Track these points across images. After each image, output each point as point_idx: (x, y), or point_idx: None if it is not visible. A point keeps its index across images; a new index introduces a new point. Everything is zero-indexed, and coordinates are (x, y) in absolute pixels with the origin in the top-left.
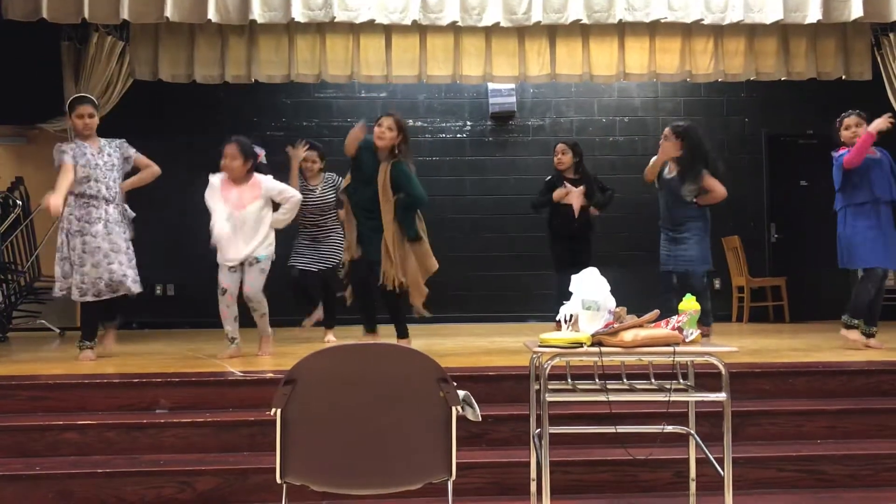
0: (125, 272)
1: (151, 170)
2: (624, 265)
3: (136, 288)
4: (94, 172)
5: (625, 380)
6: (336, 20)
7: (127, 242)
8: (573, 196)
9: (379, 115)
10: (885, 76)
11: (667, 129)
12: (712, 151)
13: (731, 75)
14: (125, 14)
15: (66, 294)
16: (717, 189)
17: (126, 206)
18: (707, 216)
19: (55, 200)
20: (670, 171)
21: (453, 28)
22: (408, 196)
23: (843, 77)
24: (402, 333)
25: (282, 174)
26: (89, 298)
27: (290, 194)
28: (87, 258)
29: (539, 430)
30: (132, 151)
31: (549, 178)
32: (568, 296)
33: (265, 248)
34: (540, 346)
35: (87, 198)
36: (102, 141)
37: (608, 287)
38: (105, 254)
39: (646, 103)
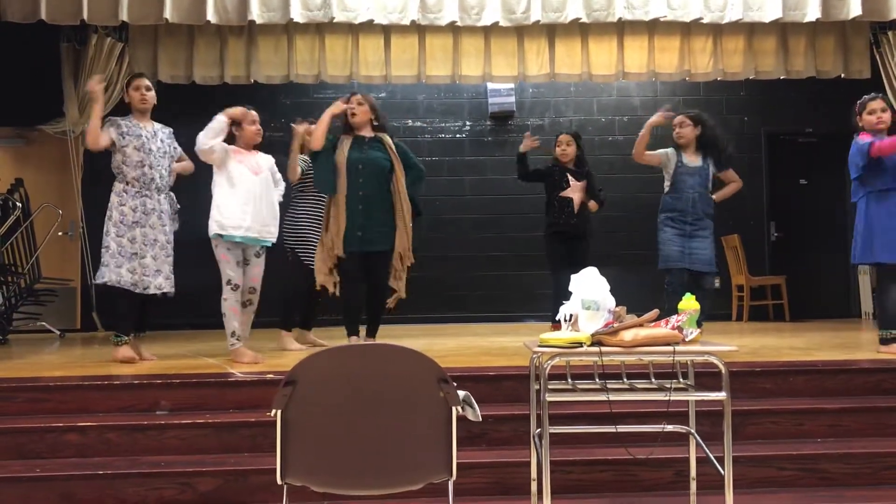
0: (158, 268)
1: (190, 164)
2: (623, 264)
3: (168, 287)
4: (149, 158)
5: (625, 379)
6: (335, 20)
7: (171, 237)
8: (574, 190)
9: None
10: (884, 74)
11: (680, 117)
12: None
13: (731, 74)
14: (124, 15)
15: (111, 282)
16: (737, 179)
17: (173, 196)
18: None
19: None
20: (693, 160)
21: (452, 28)
22: (414, 169)
23: (842, 75)
24: (375, 333)
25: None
26: (139, 290)
27: (280, 179)
28: (147, 250)
29: (539, 429)
30: (178, 148)
31: (549, 165)
32: (565, 297)
33: (276, 232)
34: (540, 346)
35: (140, 185)
36: (157, 125)
37: (608, 286)
38: (162, 246)
39: (645, 102)
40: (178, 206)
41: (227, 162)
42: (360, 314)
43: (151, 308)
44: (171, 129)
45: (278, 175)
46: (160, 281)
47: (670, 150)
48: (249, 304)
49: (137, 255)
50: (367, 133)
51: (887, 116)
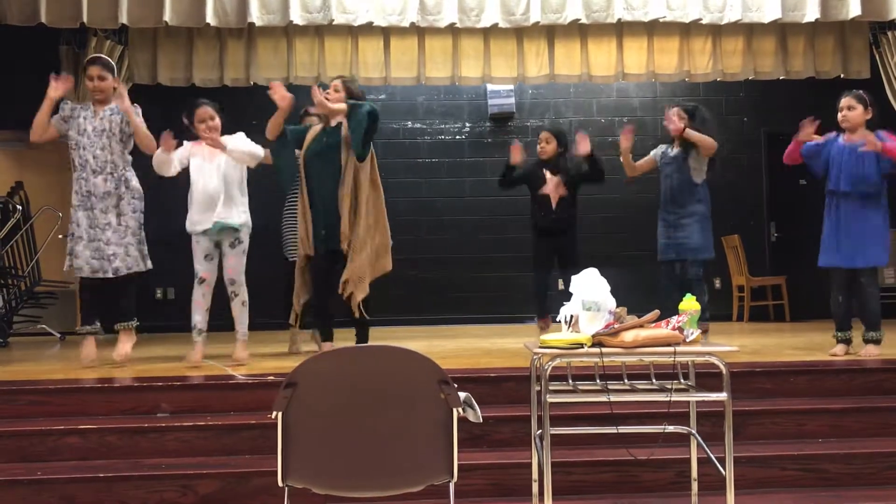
0: (113, 251)
1: (141, 138)
2: (624, 265)
3: (124, 269)
4: (82, 139)
5: (626, 380)
6: (334, 23)
7: (120, 217)
8: (551, 186)
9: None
10: (884, 75)
11: (676, 109)
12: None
13: (730, 74)
14: (124, 18)
15: (70, 270)
16: (706, 139)
17: (127, 177)
18: (708, 200)
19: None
20: (674, 149)
21: (451, 30)
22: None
23: (842, 76)
24: (365, 338)
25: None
26: (85, 274)
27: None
28: (83, 232)
29: (540, 431)
30: (131, 120)
31: (531, 164)
32: (543, 295)
33: (238, 214)
34: (540, 348)
35: (80, 169)
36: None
37: (608, 287)
38: (100, 229)
39: (644, 103)
40: (135, 185)
41: (191, 159)
42: (331, 318)
43: (124, 294)
44: (136, 105)
45: (251, 147)
46: (116, 265)
47: (663, 146)
48: (235, 297)
49: (83, 239)
50: (340, 118)
51: (852, 115)
